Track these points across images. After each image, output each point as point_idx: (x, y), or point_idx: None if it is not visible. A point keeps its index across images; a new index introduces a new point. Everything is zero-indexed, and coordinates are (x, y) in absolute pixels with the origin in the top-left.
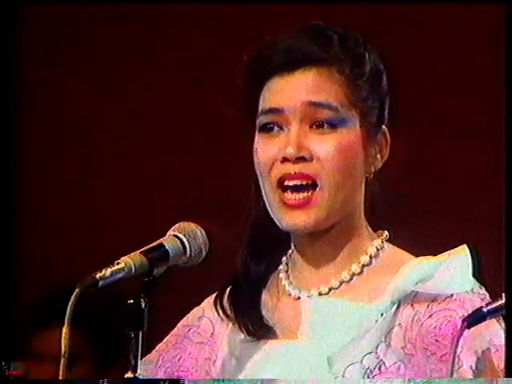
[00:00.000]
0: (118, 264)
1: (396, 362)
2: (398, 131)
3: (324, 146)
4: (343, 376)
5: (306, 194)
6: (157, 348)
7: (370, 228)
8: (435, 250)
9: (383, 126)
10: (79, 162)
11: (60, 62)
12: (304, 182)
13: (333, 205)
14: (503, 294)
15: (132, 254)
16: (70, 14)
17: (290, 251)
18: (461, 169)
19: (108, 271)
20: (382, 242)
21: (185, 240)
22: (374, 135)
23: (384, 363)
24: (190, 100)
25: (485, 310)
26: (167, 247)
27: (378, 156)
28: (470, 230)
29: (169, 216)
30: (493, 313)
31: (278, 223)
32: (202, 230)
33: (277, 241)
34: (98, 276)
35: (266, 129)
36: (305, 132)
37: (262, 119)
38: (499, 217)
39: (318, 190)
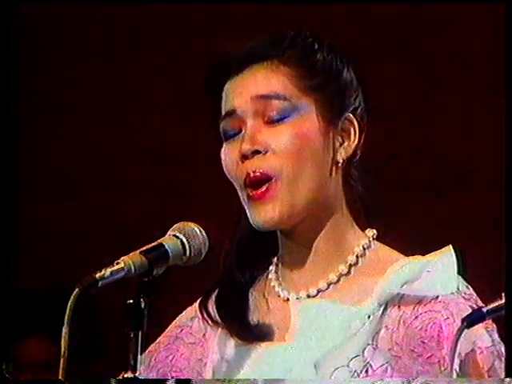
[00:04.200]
0: (117, 264)
1: (383, 365)
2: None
3: (278, 136)
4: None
5: (267, 184)
6: (149, 348)
7: (356, 226)
8: (426, 248)
9: (348, 114)
10: (79, 162)
11: (60, 62)
12: (264, 178)
13: (296, 195)
14: (503, 294)
15: (131, 253)
16: (69, 14)
17: (280, 252)
18: (459, 165)
19: (107, 271)
20: (370, 240)
21: (184, 240)
22: (336, 123)
23: (371, 366)
24: (193, 99)
25: (484, 310)
26: (167, 247)
27: (346, 143)
28: (468, 227)
29: (168, 216)
30: (492, 313)
31: (251, 223)
32: (202, 229)
33: (265, 247)
34: (97, 276)
35: (228, 135)
36: (259, 127)
37: (222, 126)
38: (499, 214)
39: (274, 180)
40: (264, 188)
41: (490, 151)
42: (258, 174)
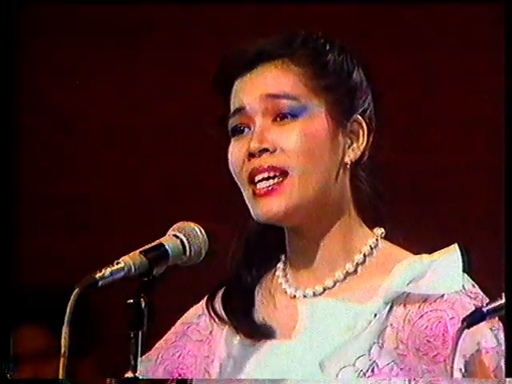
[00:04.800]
0: (117, 264)
1: (389, 363)
2: (389, 123)
3: (287, 135)
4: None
5: (275, 180)
6: (156, 346)
7: (364, 225)
8: (432, 247)
9: (356, 115)
10: (79, 161)
11: (60, 62)
12: (272, 174)
13: (304, 192)
14: (503, 294)
15: (131, 253)
16: (70, 14)
17: (287, 250)
18: (460, 165)
19: (108, 271)
20: (377, 239)
21: (184, 240)
22: (345, 124)
23: (377, 364)
24: (193, 99)
25: (484, 309)
26: (167, 247)
27: (355, 144)
28: (469, 227)
29: (168, 215)
30: (492, 313)
31: (254, 216)
32: (202, 229)
33: (273, 246)
34: (97, 276)
35: (236, 132)
36: (268, 125)
37: (230, 123)
38: (499, 214)
39: (281, 177)
40: (270, 187)
41: (490, 151)
42: (265, 167)
